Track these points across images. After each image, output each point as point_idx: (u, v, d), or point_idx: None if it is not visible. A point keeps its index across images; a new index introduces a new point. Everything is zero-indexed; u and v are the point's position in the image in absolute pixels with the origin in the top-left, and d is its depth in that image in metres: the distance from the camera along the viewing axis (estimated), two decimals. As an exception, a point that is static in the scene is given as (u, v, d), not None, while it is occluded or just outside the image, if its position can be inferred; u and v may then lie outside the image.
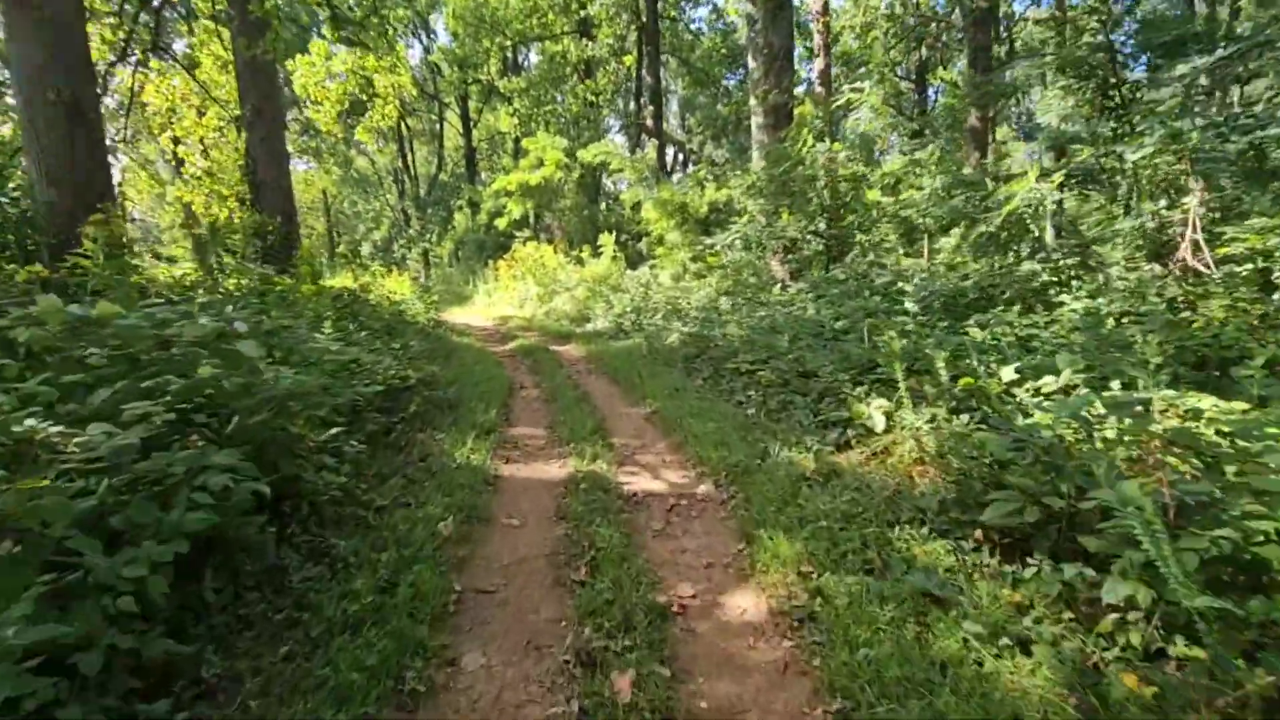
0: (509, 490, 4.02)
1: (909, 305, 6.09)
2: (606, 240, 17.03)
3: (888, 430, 3.96)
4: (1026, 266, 6.62)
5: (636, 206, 21.28)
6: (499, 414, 5.68)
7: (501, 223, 20.16)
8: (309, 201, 39.28)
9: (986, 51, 15.16)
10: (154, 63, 15.02)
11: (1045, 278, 6.56)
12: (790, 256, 10.60)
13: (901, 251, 9.89)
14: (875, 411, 4.00)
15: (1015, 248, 6.84)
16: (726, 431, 4.73)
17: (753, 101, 14.68)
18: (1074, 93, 7.63)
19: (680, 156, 35.77)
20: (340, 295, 9.69)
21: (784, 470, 3.81)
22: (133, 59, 13.27)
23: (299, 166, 40.84)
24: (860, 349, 5.40)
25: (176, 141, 15.63)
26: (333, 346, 4.70)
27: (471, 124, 29.44)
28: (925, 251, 11.98)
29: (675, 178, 22.36)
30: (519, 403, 6.43)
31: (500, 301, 17.93)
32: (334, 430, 3.63)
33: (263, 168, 11.49)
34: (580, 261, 17.60)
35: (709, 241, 11.09)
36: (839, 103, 9.96)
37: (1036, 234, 6.70)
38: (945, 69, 24.23)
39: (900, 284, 7.98)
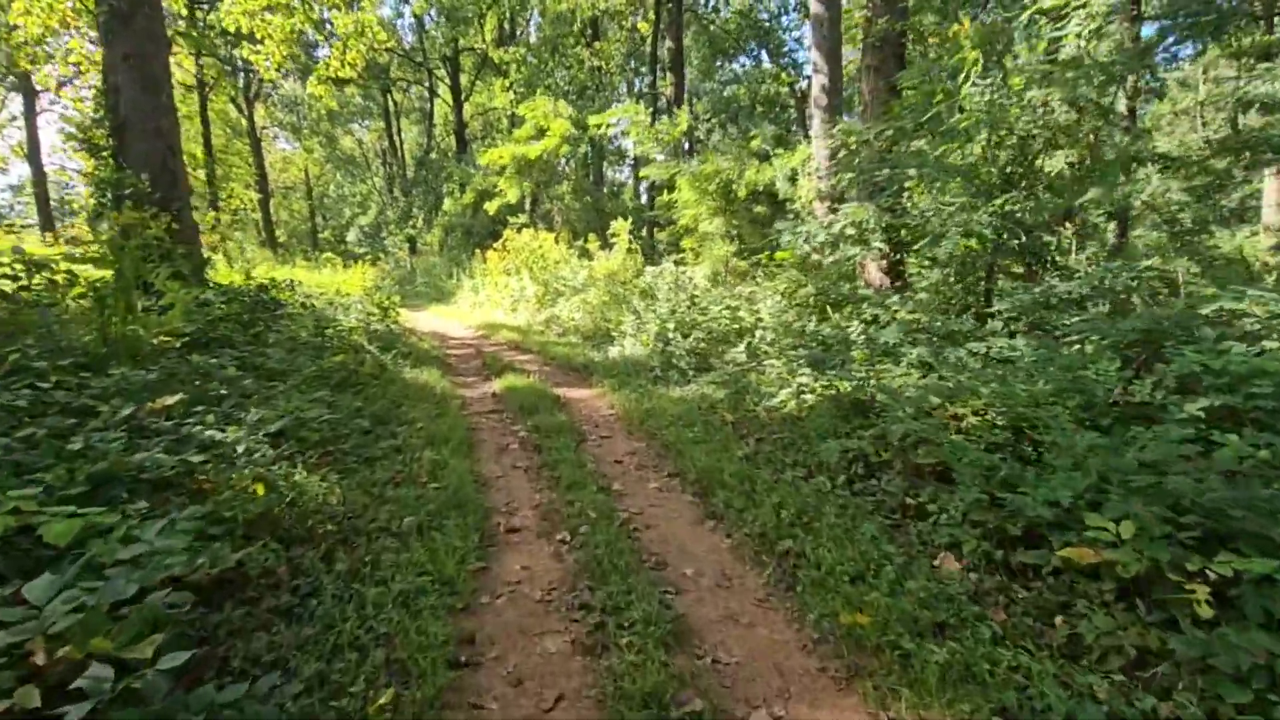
0: None
1: None
2: (620, 228, 12.82)
3: None
4: None
5: (656, 189, 17.06)
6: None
7: (491, 206, 15.81)
8: (287, 181, 34.46)
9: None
10: (19, -31, 10.49)
11: None
12: (928, 254, 6.46)
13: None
14: None
15: None
16: None
17: (815, 56, 10.53)
18: None
19: (686, 144, 31.42)
20: (208, 305, 5.44)
21: None
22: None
23: (281, 145, 36.00)
24: None
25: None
26: None
27: (463, 96, 24.88)
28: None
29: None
30: (499, 644, 2.23)
31: (488, 301, 13.65)
32: None
33: (128, 100, 7.15)
34: (587, 254, 13.40)
35: (810, 229, 6.90)
36: (1038, 6, 5.81)
37: None
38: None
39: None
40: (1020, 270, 6.11)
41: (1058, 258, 5.76)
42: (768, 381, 5.09)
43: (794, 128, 24.73)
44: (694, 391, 5.34)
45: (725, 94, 27.83)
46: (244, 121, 28.72)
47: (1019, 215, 5.25)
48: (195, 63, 24.66)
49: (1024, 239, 5.30)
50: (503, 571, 2.70)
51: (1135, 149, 8.84)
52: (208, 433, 2.95)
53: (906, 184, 6.66)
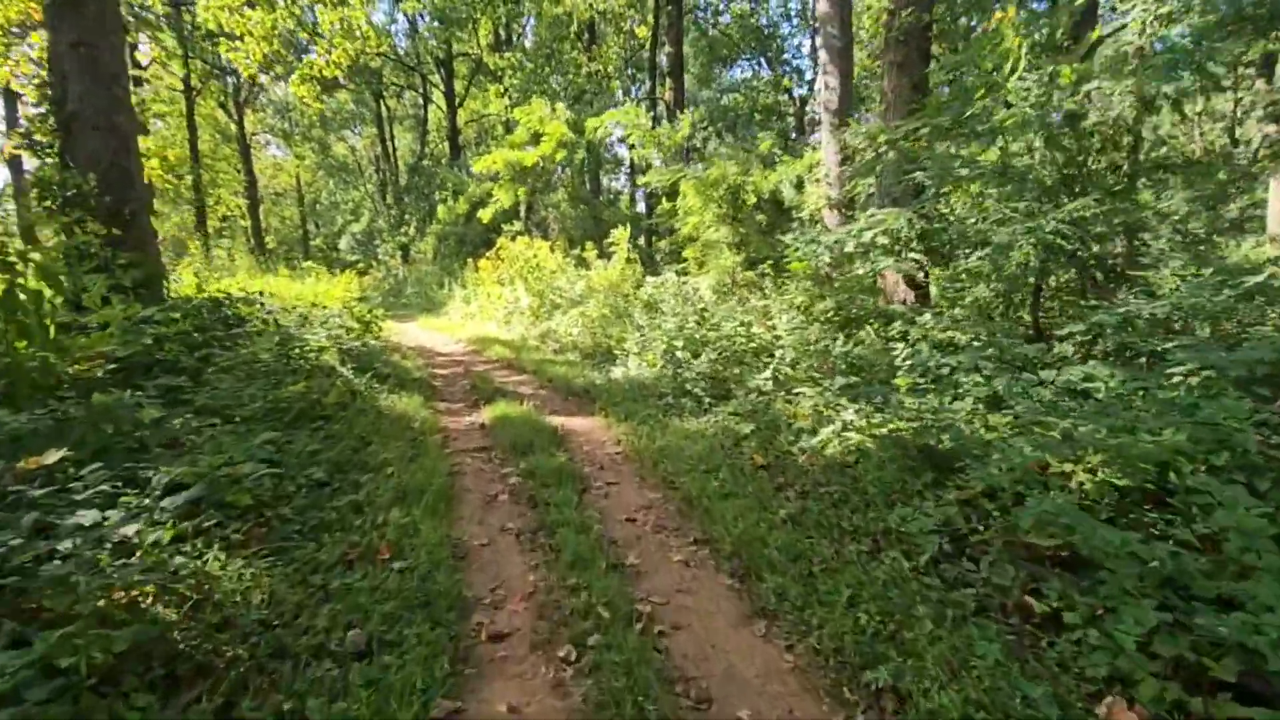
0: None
1: None
2: (620, 236, 12.08)
3: None
4: None
5: (654, 197, 16.32)
6: None
7: (485, 214, 15.01)
8: (278, 187, 33.56)
9: None
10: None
11: None
12: (968, 267, 5.73)
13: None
14: None
15: None
16: None
17: (823, 57, 9.86)
18: None
19: (685, 152, 30.74)
20: (150, 325, 4.63)
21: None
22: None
23: (272, 151, 35.04)
24: None
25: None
26: None
27: (457, 102, 24.14)
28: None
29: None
30: None
31: (480, 312, 12.84)
32: None
33: (77, 92, 6.35)
34: (584, 264, 12.63)
35: (835, 238, 6.14)
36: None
37: None
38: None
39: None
40: (1077, 286, 5.38)
41: (1141, 273, 5.02)
42: (800, 414, 4.30)
43: (794, 135, 24.12)
44: (713, 424, 4.55)
45: (723, 102, 27.22)
46: (233, 127, 27.84)
47: (1091, 223, 4.51)
48: (183, 65, 23.85)
49: (1094, 249, 4.55)
50: (482, 719, 1.89)
51: (1163, 155, 8.17)
52: (79, 513, 2.12)
53: (943, 189, 5.93)
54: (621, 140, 24.38)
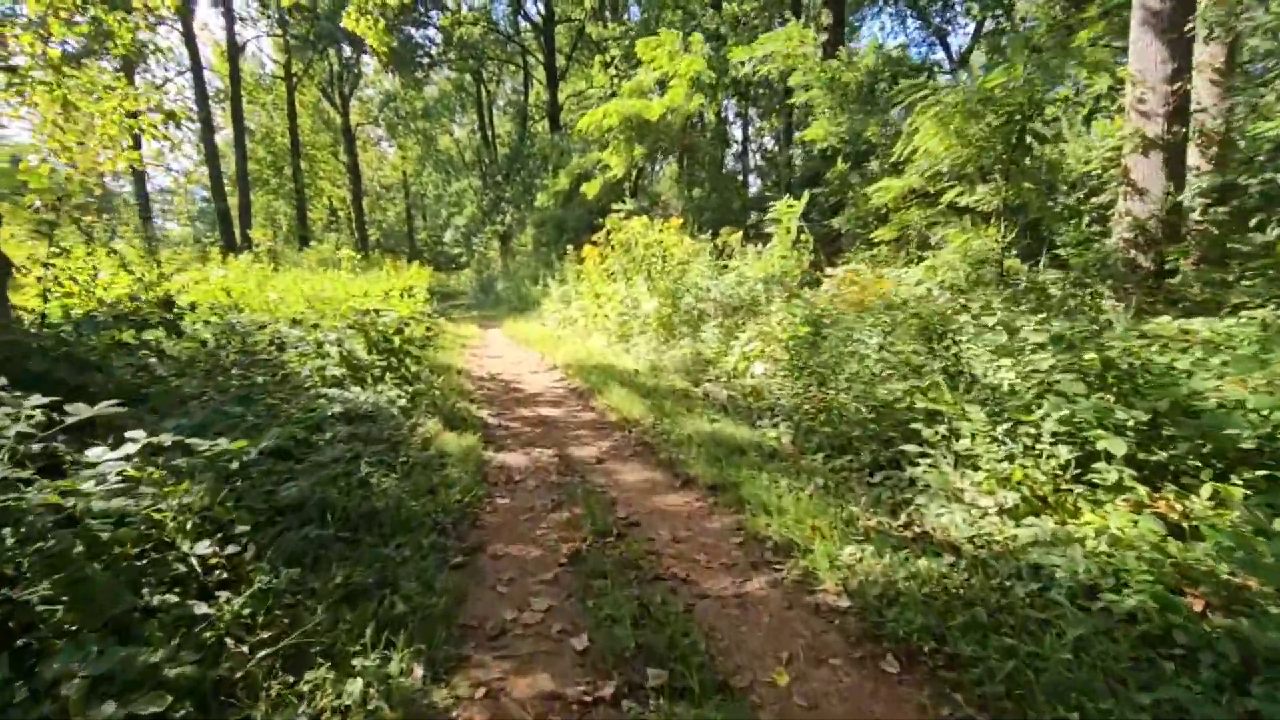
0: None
1: None
2: (785, 211, 7.81)
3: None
4: None
5: (813, 159, 11.92)
6: None
7: (591, 187, 11.16)
8: (383, 180, 31.73)
9: None
10: None
11: None
12: None
13: None
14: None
15: None
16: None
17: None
18: None
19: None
20: None
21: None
22: None
23: (383, 146, 33.38)
24: None
25: None
26: None
27: (558, 75, 20.60)
28: None
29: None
30: None
31: (583, 316, 9.04)
32: None
33: None
34: (720, 253, 8.51)
35: None
36: None
37: None
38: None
39: None
40: None
41: None
42: None
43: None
44: None
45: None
46: (339, 119, 25.98)
47: None
48: (283, 48, 21.87)
49: None
50: None
51: None
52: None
53: None
54: (748, 98, 19.80)
